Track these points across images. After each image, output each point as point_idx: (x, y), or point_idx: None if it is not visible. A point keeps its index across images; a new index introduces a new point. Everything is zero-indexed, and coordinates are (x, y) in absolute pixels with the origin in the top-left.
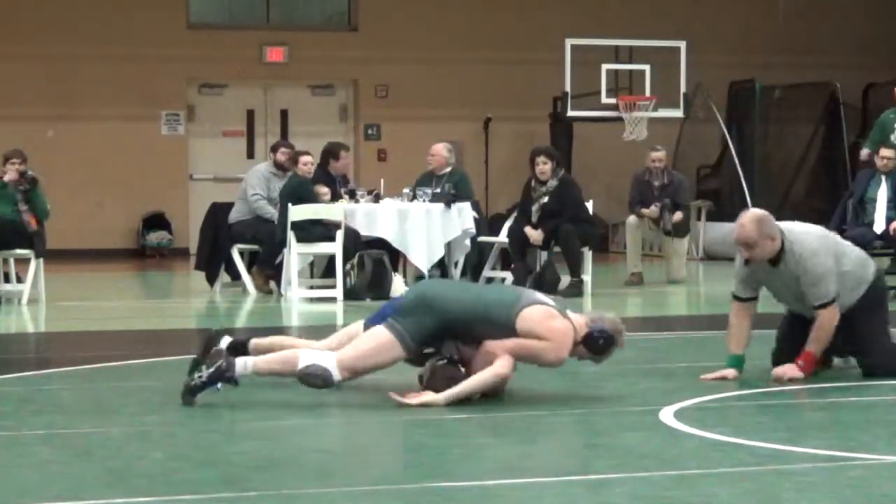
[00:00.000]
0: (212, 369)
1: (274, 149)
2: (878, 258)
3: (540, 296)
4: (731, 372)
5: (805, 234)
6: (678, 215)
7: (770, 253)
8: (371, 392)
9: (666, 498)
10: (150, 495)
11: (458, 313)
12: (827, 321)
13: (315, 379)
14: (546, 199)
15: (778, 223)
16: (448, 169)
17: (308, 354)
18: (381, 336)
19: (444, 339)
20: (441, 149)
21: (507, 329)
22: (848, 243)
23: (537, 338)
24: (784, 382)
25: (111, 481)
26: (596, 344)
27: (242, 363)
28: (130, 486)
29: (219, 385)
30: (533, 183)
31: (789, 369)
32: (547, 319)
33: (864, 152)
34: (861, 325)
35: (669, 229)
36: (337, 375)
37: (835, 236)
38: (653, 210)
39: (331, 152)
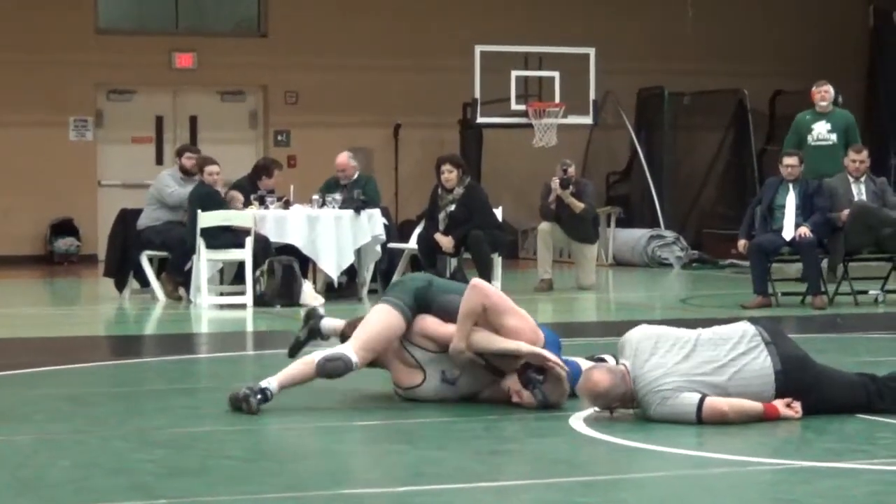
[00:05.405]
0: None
1: (179, 153)
2: (787, 264)
3: None
4: None
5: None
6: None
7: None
8: (282, 397)
9: None
10: None
11: (436, 287)
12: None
13: (336, 362)
14: (453, 207)
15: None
16: (355, 176)
17: (320, 352)
18: (383, 312)
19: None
20: (347, 160)
21: None
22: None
23: None
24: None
25: (20, 490)
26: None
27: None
28: (39, 496)
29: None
30: (439, 191)
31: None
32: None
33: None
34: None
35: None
36: (355, 358)
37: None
38: (554, 180)
39: (265, 169)
